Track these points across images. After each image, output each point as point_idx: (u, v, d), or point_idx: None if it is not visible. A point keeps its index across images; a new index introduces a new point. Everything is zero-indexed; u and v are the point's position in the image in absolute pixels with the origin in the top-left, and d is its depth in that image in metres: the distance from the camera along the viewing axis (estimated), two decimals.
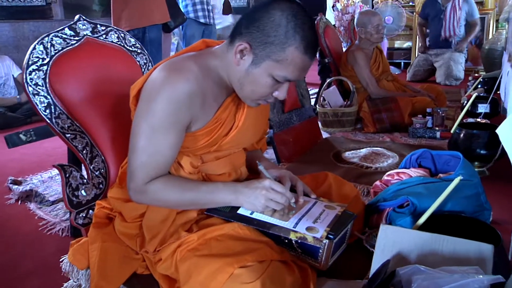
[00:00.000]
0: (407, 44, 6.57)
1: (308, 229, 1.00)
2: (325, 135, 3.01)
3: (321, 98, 3.24)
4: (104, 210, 1.19)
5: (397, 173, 1.47)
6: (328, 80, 3.30)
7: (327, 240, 0.97)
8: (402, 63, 6.59)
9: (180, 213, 1.09)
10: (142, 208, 1.11)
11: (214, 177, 1.15)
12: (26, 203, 2.17)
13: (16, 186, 2.32)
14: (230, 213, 1.06)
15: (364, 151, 2.51)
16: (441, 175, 1.40)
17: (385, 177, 1.51)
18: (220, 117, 1.08)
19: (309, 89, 3.00)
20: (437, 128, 2.80)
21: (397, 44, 6.70)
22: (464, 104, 2.98)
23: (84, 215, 1.22)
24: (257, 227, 1.03)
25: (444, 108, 2.93)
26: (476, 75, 4.18)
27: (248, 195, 1.04)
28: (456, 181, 1.04)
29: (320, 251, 0.99)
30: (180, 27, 3.56)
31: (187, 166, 1.11)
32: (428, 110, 2.90)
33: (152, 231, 1.08)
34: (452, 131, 2.13)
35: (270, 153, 2.56)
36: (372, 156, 2.42)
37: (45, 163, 2.77)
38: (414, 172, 1.42)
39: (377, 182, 1.53)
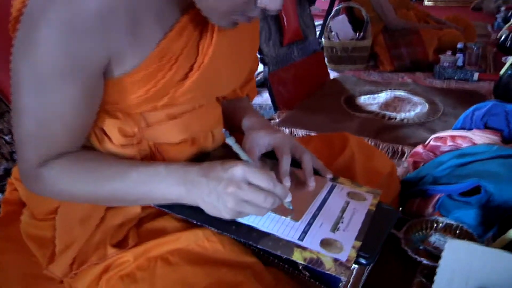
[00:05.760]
0: None
1: (324, 243, 0.61)
2: (333, 74, 2.71)
3: (328, 29, 2.88)
4: (18, 192, 0.81)
5: (452, 137, 1.02)
6: (336, 8, 2.93)
7: (356, 266, 0.61)
8: None
9: (112, 209, 0.69)
10: (57, 200, 0.72)
11: (167, 148, 0.74)
12: None
13: None
14: (193, 209, 0.64)
15: (383, 95, 2.14)
16: None
17: (432, 142, 1.07)
18: (170, 49, 0.64)
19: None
20: (473, 68, 2.43)
21: None
22: (503, 38, 2.54)
23: None
24: (236, 237, 0.62)
25: (480, 43, 2.57)
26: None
27: (207, 192, 0.60)
28: None
29: (344, 281, 0.59)
30: None
31: (115, 135, 0.67)
32: (459, 45, 2.56)
33: (65, 237, 0.68)
34: (501, 73, 1.70)
35: (265, 98, 2.24)
36: (394, 102, 2.04)
37: None
38: (480, 137, 0.98)
39: (419, 148, 1.09)
